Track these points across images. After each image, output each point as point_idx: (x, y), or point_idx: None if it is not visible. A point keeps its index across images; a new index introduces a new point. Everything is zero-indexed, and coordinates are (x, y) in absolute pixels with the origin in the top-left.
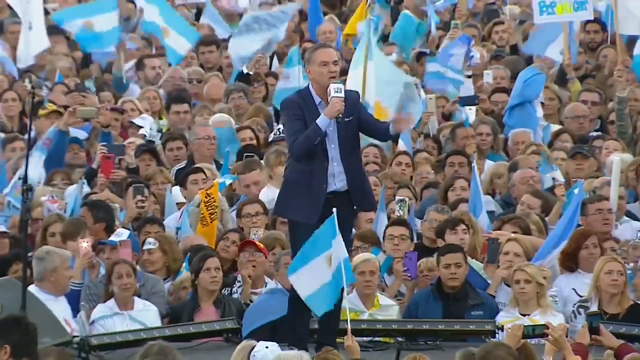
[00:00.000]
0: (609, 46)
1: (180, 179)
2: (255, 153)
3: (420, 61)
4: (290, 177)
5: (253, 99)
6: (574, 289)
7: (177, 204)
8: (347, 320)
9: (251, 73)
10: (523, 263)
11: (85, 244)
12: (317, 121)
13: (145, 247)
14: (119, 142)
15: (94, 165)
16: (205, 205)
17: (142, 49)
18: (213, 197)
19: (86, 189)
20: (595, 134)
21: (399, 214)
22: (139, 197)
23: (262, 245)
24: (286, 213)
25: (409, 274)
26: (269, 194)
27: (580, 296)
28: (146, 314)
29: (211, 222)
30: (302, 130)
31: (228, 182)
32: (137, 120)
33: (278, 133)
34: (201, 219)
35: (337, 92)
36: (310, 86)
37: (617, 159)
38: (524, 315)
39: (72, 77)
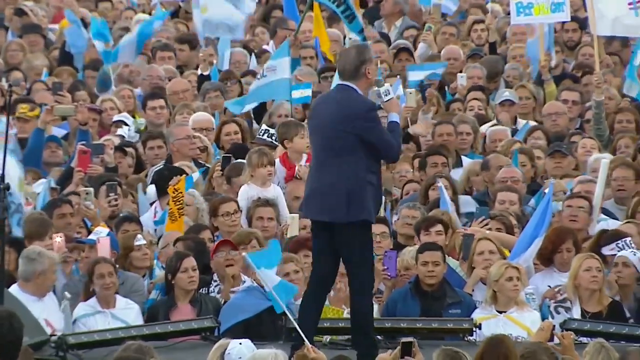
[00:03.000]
0: (588, 44)
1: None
2: (240, 149)
3: (399, 57)
4: (370, 179)
5: (228, 98)
6: (549, 286)
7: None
8: (298, 331)
9: (205, 74)
10: (511, 261)
11: (59, 239)
12: (395, 120)
13: (139, 242)
14: (97, 141)
15: (72, 164)
16: (174, 201)
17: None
18: (181, 192)
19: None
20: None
21: None
22: (111, 195)
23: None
24: (368, 215)
25: (389, 273)
26: (250, 191)
27: None
28: (128, 312)
29: (179, 217)
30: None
31: (196, 177)
32: (122, 118)
33: (267, 134)
34: (170, 215)
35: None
36: (348, 87)
37: (605, 161)
38: (500, 312)
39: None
